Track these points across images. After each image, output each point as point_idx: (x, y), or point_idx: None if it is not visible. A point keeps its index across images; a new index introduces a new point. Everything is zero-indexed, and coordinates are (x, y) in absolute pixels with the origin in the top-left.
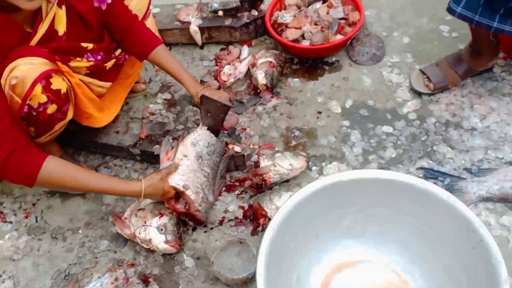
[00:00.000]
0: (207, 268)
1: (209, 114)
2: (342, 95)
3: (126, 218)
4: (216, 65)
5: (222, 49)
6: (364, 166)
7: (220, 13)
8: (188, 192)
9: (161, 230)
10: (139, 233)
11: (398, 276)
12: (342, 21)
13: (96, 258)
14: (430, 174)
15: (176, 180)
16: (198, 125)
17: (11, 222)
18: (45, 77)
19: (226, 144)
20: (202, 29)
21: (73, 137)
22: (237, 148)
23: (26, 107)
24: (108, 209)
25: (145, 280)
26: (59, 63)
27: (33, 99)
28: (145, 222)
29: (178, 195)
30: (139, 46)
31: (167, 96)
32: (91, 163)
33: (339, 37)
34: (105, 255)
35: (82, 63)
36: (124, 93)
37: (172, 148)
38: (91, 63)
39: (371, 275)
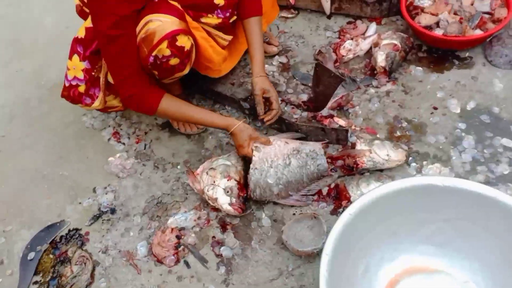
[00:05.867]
0: (280, 232)
1: (321, 83)
2: (465, 95)
3: (198, 174)
4: (339, 38)
5: (348, 23)
6: (469, 176)
7: None
8: (254, 153)
9: (227, 192)
10: (207, 191)
11: None
12: (486, 15)
13: (187, 194)
14: None
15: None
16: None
17: (123, 144)
18: (172, 36)
19: (331, 116)
20: None
21: (193, 81)
22: (342, 122)
23: (152, 58)
24: (207, 153)
25: (223, 226)
26: (189, 19)
27: (159, 51)
28: (214, 182)
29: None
30: (241, 8)
31: (284, 60)
32: None
33: (478, 32)
34: (195, 194)
35: (212, 19)
36: (244, 47)
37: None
38: (220, 20)
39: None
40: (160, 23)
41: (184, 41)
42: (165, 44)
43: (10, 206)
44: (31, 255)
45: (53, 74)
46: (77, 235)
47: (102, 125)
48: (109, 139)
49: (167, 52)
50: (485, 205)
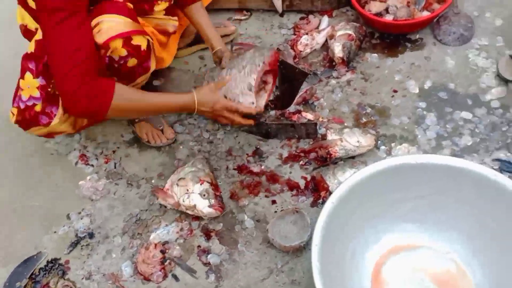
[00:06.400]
0: (265, 231)
1: (286, 80)
2: (421, 75)
3: (168, 189)
4: (294, 34)
5: (301, 18)
6: (436, 151)
7: None
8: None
9: (204, 195)
10: (183, 201)
11: (457, 266)
12: None
13: (165, 207)
14: (506, 167)
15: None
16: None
17: (92, 165)
18: (126, 36)
19: (299, 111)
20: None
21: (157, 89)
22: (310, 116)
23: (107, 58)
24: (180, 163)
25: (207, 233)
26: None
27: (114, 52)
28: (188, 190)
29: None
30: None
31: None
32: (168, 119)
33: (425, 14)
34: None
35: (161, 5)
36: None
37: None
38: (167, 4)
39: (429, 261)
40: (112, 24)
41: (139, 40)
42: (119, 43)
43: None
44: None
45: (7, 104)
46: (57, 265)
47: (66, 149)
48: (76, 163)
49: (123, 52)
50: (455, 176)
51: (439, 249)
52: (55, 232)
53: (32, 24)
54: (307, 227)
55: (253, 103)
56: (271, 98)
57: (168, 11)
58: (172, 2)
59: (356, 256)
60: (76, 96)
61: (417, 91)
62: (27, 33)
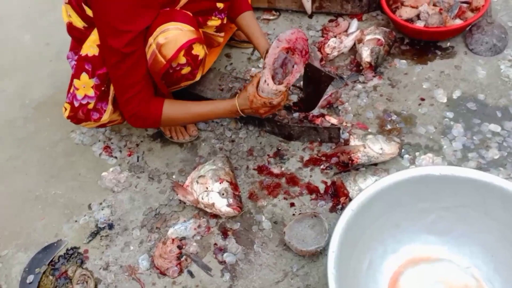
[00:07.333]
0: (281, 234)
1: (311, 83)
2: (450, 84)
3: (187, 185)
4: (322, 36)
5: (330, 21)
6: (461, 163)
7: None
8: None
9: (223, 194)
10: (202, 198)
11: (477, 282)
12: (465, 5)
13: (185, 203)
14: None
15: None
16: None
17: (116, 157)
18: (189, 44)
19: (323, 115)
20: None
21: (182, 91)
22: (334, 120)
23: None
24: (201, 161)
25: (224, 232)
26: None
27: (175, 60)
28: (207, 188)
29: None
30: (232, 9)
31: None
32: None
33: (458, 22)
34: None
35: (215, 21)
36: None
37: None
38: (220, 22)
39: (448, 276)
40: (178, 32)
41: (199, 50)
42: (182, 52)
43: (4, 230)
44: (30, 278)
45: (36, 92)
46: (76, 254)
47: (91, 140)
48: (100, 154)
49: (183, 60)
50: (481, 190)
51: (459, 263)
52: (76, 221)
53: (79, 23)
54: (325, 232)
55: (265, 81)
56: (295, 100)
57: (218, 28)
58: (224, 22)
59: (374, 265)
60: (133, 118)
61: (445, 100)
62: (73, 30)
